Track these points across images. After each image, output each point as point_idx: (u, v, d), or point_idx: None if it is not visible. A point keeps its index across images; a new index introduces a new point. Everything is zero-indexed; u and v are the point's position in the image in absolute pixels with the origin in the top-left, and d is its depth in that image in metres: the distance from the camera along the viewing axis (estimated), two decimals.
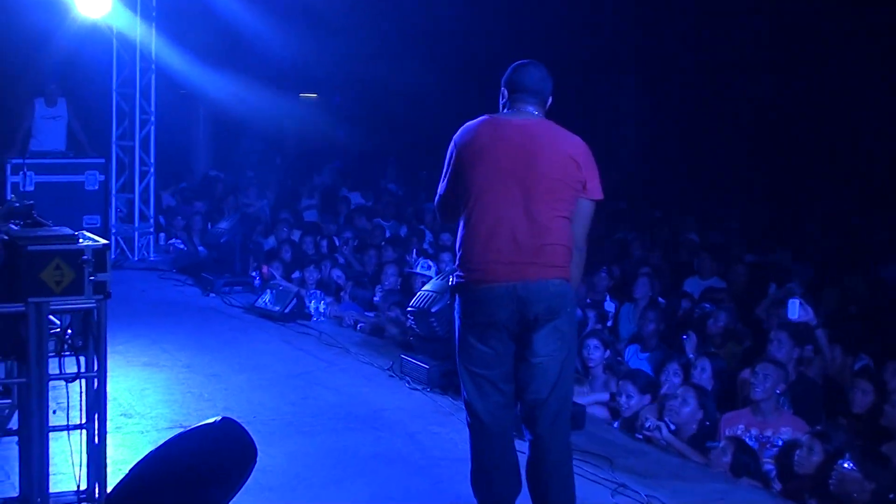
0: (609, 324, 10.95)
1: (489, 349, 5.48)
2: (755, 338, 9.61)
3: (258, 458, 4.73)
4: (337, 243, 14.46)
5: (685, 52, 19.88)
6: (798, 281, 11.09)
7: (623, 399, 8.34)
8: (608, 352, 9.10)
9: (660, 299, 10.93)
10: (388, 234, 14.94)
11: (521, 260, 5.35)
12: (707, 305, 10.49)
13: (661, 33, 19.73)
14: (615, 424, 8.30)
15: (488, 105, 5.87)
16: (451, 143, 5.67)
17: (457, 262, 5.60)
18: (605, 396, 8.77)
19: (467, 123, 5.67)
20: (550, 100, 5.71)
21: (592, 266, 12.18)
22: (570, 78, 19.16)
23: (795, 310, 9.16)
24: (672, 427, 7.73)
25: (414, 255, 13.32)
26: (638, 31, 20.23)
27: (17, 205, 6.44)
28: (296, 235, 14.50)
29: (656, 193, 18.94)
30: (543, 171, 5.41)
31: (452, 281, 5.68)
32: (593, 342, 9.04)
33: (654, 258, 13.21)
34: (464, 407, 5.70)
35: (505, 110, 5.69)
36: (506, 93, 5.69)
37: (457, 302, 5.60)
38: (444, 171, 5.69)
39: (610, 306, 11.37)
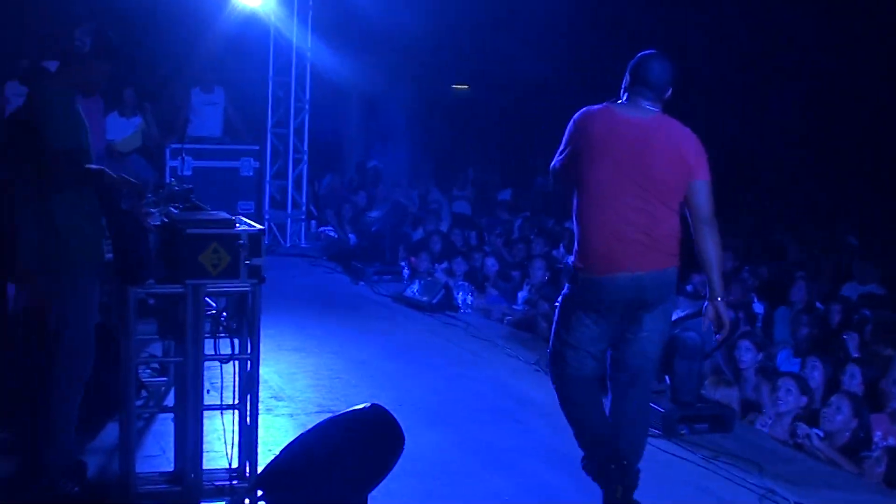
0: (758, 325, 10.73)
1: (598, 328, 5.84)
2: None
3: (405, 446, 4.77)
4: (486, 237, 14.46)
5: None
6: None
7: (776, 402, 8.17)
8: (760, 354, 8.92)
9: (817, 304, 10.66)
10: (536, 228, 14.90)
11: (637, 252, 5.67)
12: (866, 311, 10.20)
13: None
14: (764, 428, 8.13)
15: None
16: (571, 122, 5.90)
17: (575, 253, 5.88)
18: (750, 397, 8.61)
19: (588, 108, 5.88)
20: (670, 91, 5.86)
21: (738, 265, 12.03)
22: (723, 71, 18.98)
23: None
24: (821, 435, 7.55)
25: (562, 249, 13.24)
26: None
27: (177, 188, 6.58)
28: (444, 226, 14.55)
29: (813, 193, 18.48)
30: (657, 171, 5.67)
31: (570, 268, 6.01)
32: (745, 343, 8.85)
33: (810, 261, 12.90)
34: (551, 370, 6.15)
35: (624, 99, 5.86)
36: (628, 80, 5.87)
37: (574, 288, 5.89)
38: (563, 146, 5.94)
39: (759, 308, 11.15)
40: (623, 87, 5.89)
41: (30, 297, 6.30)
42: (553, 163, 6.03)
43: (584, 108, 5.90)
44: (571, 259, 5.98)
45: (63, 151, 5.62)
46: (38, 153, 5.64)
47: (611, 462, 5.84)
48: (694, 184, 5.74)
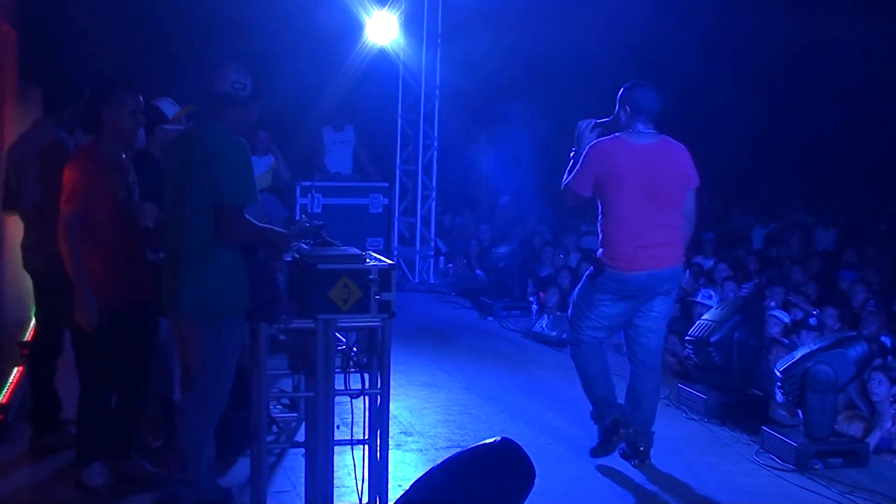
0: (889, 358, 10.45)
1: (616, 310, 7.28)
2: None
3: (536, 481, 4.74)
4: None
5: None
6: None
7: None
8: (895, 387, 8.69)
9: None
10: None
11: (656, 255, 7.08)
12: None
13: None
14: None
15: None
16: (590, 154, 7.16)
17: (603, 252, 7.22)
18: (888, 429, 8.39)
19: (601, 140, 7.22)
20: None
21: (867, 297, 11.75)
22: None
23: None
24: None
25: (692, 282, 13.06)
26: None
27: (308, 224, 6.65)
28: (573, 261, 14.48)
29: None
30: (670, 187, 7.12)
31: (599, 260, 7.25)
32: (878, 376, 8.63)
33: None
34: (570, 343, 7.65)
35: (629, 129, 7.15)
36: (628, 110, 7.16)
37: (600, 276, 7.21)
38: (577, 168, 7.23)
39: (886, 340, 10.85)
40: (623, 118, 7.18)
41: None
42: (566, 181, 7.30)
43: (597, 141, 7.22)
44: (600, 252, 7.25)
45: (239, 207, 5.67)
46: (204, 204, 5.69)
47: (631, 427, 7.31)
48: (691, 192, 7.27)
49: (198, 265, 5.76)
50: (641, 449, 7.39)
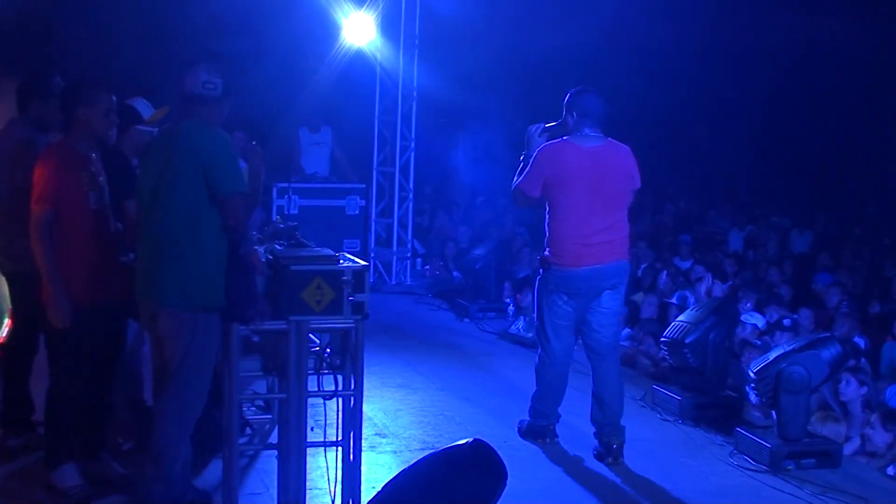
0: (863, 360, 10.49)
1: (571, 308, 7.56)
2: None
3: (508, 483, 4.72)
4: None
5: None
6: None
7: (874, 435, 8.03)
8: (864, 388, 8.73)
9: None
10: (642, 265, 14.75)
11: (599, 252, 7.39)
12: None
13: None
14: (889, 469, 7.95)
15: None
16: (540, 156, 7.52)
17: (549, 251, 7.54)
18: (857, 433, 8.43)
19: (550, 143, 7.57)
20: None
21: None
22: None
23: None
24: None
25: (669, 284, 13.09)
26: None
27: (282, 226, 6.65)
28: None
29: None
30: (614, 187, 7.46)
31: (545, 260, 7.59)
32: (846, 377, 8.65)
33: None
34: (540, 348, 7.81)
35: (576, 133, 7.48)
36: (575, 115, 7.49)
37: (548, 275, 7.57)
38: (527, 170, 7.59)
39: (860, 341, 10.89)
40: (571, 123, 7.50)
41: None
42: (516, 183, 7.68)
43: (546, 144, 7.58)
44: (547, 252, 7.57)
45: (240, 193, 5.75)
46: (187, 196, 5.74)
47: (605, 424, 7.55)
48: (634, 191, 7.62)
49: (180, 257, 5.77)
50: (614, 447, 7.51)
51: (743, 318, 10.69)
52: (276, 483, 6.20)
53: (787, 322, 10.15)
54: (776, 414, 7.54)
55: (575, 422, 8.29)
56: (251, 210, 5.96)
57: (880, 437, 8.02)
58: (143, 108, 7.31)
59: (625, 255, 7.59)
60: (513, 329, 11.58)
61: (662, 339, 8.94)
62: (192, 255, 5.77)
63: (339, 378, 6.06)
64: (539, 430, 7.87)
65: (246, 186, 5.87)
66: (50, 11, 13.01)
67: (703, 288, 12.10)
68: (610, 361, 7.68)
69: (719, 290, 12.32)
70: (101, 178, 6.43)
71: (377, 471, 6.96)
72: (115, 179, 6.65)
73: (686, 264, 14.66)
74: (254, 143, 12.90)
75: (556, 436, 7.86)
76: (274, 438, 6.86)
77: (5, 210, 6.87)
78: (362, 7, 14.20)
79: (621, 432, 7.57)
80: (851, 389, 8.56)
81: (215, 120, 5.95)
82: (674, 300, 12.08)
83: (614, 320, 7.72)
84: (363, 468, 6.13)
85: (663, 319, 10.98)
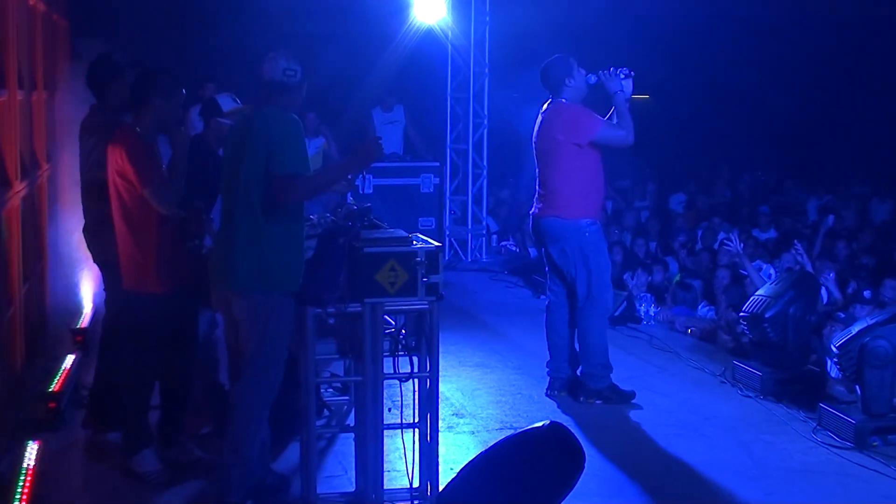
0: None
1: (543, 253, 8.64)
2: None
3: (586, 464, 4.69)
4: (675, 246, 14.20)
5: None
6: None
7: None
8: None
9: None
10: (721, 236, 14.57)
11: (539, 204, 8.28)
12: None
13: None
14: None
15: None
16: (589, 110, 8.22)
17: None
18: None
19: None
20: (567, 79, 8.14)
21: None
22: None
23: None
24: None
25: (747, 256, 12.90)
26: None
27: (356, 207, 6.64)
28: (627, 237, 14.38)
29: None
30: (546, 145, 8.18)
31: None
32: None
33: None
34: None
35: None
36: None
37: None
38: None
39: None
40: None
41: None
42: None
43: (581, 106, 8.20)
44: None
45: (294, 175, 5.69)
46: (259, 179, 5.74)
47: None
48: (582, 147, 8.03)
49: (249, 240, 5.78)
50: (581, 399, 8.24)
51: (822, 290, 10.51)
52: (353, 465, 6.23)
53: (867, 294, 9.96)
54: (860, 389, 7.40)
55: (656, 399, 8.25)
56: (309, 193, 5.93)
57: None
58: (227, 103, 7.33)
59: (560, 213, 8.14)
60: None
61: (742, 313, 8.80)
62: (258, 238, 5.76)
63: (415, 359, 6.06)
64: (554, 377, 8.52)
65: (306, 169, 5.82)
66: (119, 2, 13.14)
67: (789, 259, 11.82)
68: (570, 305, 8.46)
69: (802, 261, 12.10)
70: (164, 167, 6.46)
71: (455, 451, 6.95)
72: (199, 166, 6.74)
73: (764, 236, 14.45)
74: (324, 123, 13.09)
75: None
76: (351, 421, 6.88)
77: (96, 197, 6.85)
78: None
79: (586, 382, 8.26)
80: None
81: (296, 104, 5.97)
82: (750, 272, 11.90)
83: (569, 266, 8.26)
84: (441, 449, 6.12)
85: (742, 294, 10.81)
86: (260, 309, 5.82)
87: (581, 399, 8.20)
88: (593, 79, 8.16)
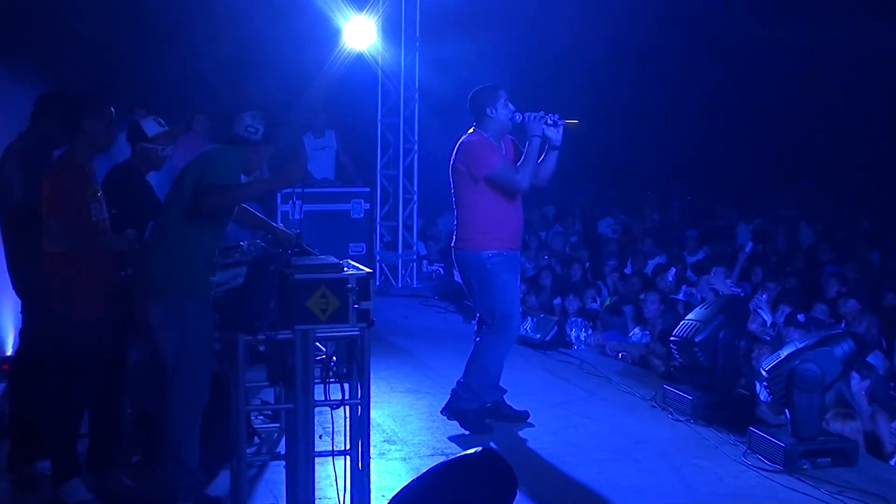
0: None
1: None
2: None
3: (518, 491, 4.66)
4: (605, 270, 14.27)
5: None
6: None
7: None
8: (867, 381, 8.67)
9: None
10: (649, 262, 14.68)
11: (455, 237, 8.21)
12: None
13: None
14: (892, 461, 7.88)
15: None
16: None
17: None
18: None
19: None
20: (489, 109, 8.03)
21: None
22: None
23: None
24: None
25: (674, 281, 13.01)
26: None
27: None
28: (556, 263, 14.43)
29: None
30: (453, 176, 8.07)
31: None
32: (857, 375, 8.61)
33: None
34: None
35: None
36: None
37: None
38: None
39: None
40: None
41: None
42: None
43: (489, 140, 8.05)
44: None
45: (215, 185, 5.91)
46: (188, 190, 5.99)
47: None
48: (479, 181, 7.90)
49: (168, 243, 6.04)
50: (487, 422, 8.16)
51: (753, 311, 10.60)
52: (284, 493, 6.18)
53: (800, 317, 10.06)
54: (790, 412, 7.46)
55: (587, 424, 8.26)
56: (228, 201, 6.11)
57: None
58: (151, 127, 7.24)
59: (463, 247, 8.11)
60: (521, 330, 11.48)
61: (672, 338, 8.86)
62: (184, 241, 6.01)
63: (346, 386, 6.03)
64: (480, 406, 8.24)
65: (228, 182, 6.01)
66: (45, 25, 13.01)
67: (717, 283, 11.94)
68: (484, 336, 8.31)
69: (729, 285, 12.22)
70: (100, 193, 6.43)
71: (387, 478, 6.90)
72: (131, 194, 6.80)
73: (692, 259, 14.59)
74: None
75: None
76: (282, 448, 6.82)
77: (18, 224, 6.76)
78: (363, 11, 14.13)
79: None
80: (854, 383, 8.51)
81: (252, 162, 6.28)
82: (680, 296, 12.01)
83: (479, 300, 8.29)
84: (372, 476, 6.10)
85: (674, 317, 10.87)
86: (173, 311, 5.95)
87: (443, 413, 8.16)
88: (519, 118, 8.00)
